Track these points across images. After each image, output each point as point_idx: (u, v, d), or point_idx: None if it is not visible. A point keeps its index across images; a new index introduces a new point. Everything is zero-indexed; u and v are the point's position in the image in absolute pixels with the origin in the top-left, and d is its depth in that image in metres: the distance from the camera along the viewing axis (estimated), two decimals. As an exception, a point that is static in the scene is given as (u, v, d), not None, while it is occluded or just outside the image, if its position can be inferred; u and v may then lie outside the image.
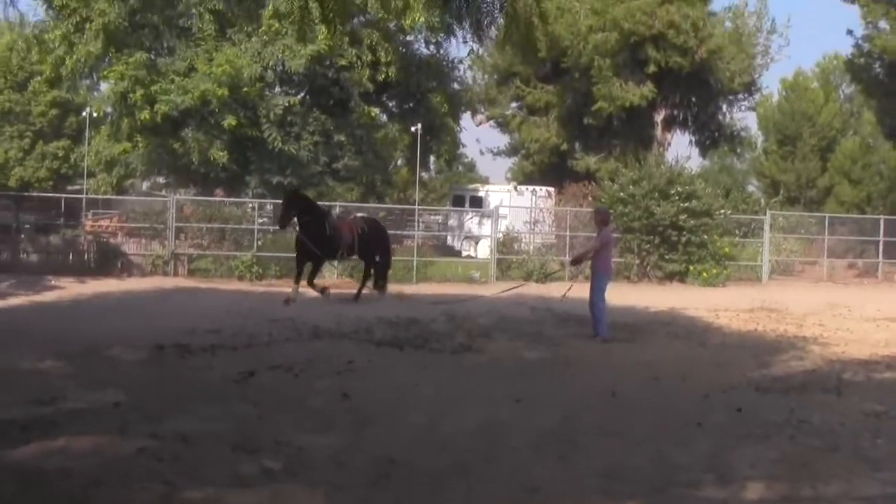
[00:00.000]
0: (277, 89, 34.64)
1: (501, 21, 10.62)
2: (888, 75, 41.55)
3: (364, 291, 22.93)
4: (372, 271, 23.38)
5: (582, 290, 17.76)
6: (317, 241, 21.30)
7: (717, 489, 7.52)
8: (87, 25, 31.51)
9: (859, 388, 12.26)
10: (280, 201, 24.23)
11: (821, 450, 8.83)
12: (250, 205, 32.83)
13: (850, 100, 65.42)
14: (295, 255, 22.55)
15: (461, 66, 43.70)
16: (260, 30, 32.57)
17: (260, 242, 29.62)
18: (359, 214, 26.29)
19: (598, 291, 16.88)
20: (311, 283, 21.46)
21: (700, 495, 7.37)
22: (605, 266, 17.49)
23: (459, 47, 70.08)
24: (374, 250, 23.06)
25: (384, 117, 39.06)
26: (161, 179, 38.93)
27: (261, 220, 31.77)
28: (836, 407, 10.85)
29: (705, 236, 31.08)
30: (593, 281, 17.11)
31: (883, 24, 39.38)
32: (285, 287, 23.09)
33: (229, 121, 31.31)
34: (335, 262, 25.69)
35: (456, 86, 42.26)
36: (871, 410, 10.62)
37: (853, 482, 7.83)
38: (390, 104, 39.87)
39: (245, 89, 31.76)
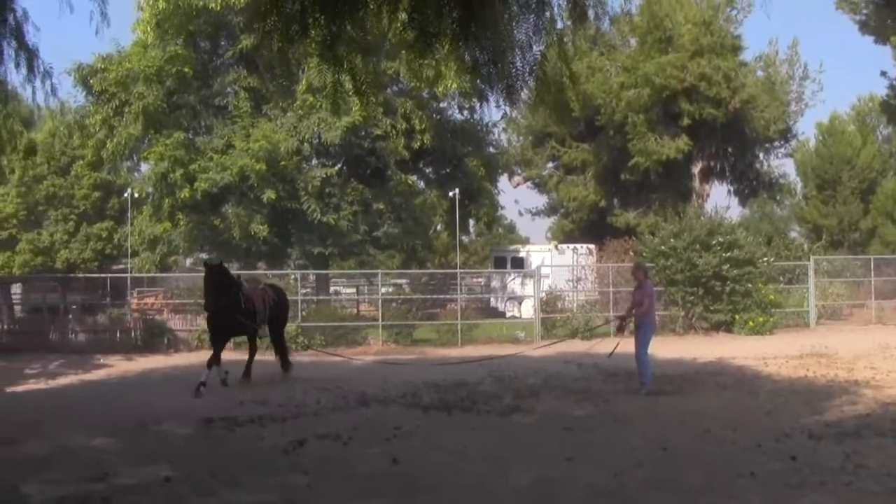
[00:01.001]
0: (314, 161, 34.87)
1: (532, 84, 10.71)
2: (924, 114, 41.43)
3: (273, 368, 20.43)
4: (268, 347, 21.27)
5: (628, 346, 17.70)
6: (241, 316, 19.09)
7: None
8: (127, 109, 32.15)
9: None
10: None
11: (880, 494, 8.73)
12: (293, 276, 33.03)
13: (888, 140, 65.12)
14: (210, 334, 19.69)
15: (495, 130, 43.96)
16: (295, 104, 32.93)
17: (304, 312, 29.76)
18: (266, 282, 24.56)
19: (643, 345, 16.90)
20: (211, 363, 18.43)
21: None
22: (650, 319, 17.56)
23: (493, 111, 70.55)
24: (279, 322, 21.23)
25: (421, 184, 39.21)
26: (204, 255, 39.26)
27: (304, 291, 31.91)
28: (892, 450, 10.72)
29: (749, 285, 30.85)
30: (637, 334, 17.12)
31: (917, 63, 39.30)
32: (331, 356, 23.08)
33: (268, 195, 31.54)
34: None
35: (491, 149, 42.42)
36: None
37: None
38: (427, 171, 40.05)
39: (282, 163, 32.02)
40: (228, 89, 34.16)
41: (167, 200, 32.68)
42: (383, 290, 34.12)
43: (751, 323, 30.28)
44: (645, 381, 16.62)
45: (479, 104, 34.71)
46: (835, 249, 54.83)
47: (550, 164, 55.58)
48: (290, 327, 28.24)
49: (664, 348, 22.52)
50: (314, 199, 32.67)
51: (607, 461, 10.50)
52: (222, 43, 35.39)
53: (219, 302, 18.61)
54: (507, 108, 26.00)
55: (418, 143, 34.99)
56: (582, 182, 51.91)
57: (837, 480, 9.28)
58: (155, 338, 28.41)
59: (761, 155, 52.49)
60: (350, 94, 11.65)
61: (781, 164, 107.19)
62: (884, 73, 42.93)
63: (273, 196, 31.67)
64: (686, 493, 8.96)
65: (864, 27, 40.62)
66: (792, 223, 72.51)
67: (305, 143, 32.96)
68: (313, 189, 32.58)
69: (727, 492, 8.94)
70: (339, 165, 35.58)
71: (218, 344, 18.93)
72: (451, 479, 9.83)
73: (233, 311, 18.85)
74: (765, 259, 33.07)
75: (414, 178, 37.40)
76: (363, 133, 33.75)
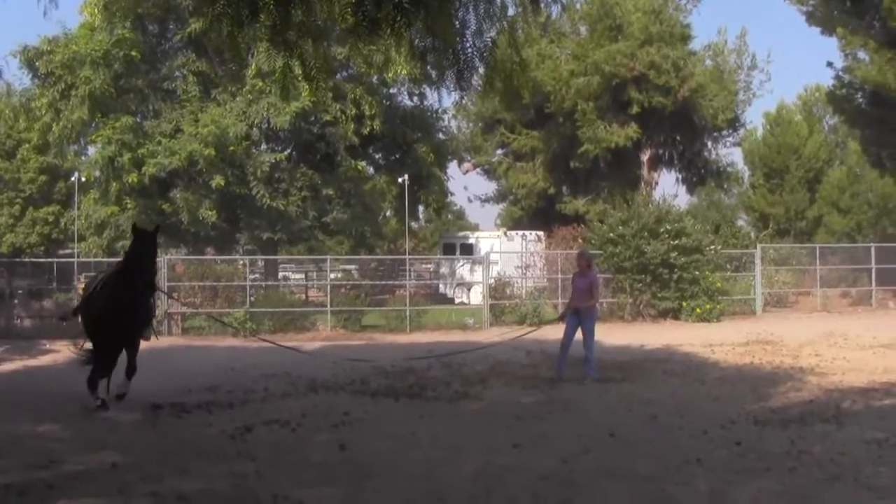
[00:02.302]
0: (264, 147, 34.69)
1: (482, 70, 10.72)
2: (870, 105, 41.76)
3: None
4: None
5: (557, 332, 17.71)
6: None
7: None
8: (73, 92, 31.73)
9: (859, 416, 12.27)
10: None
11: (823, 480, 8.83)
12: (241, 261, 32.88)
13: (834, 130, 65.75)
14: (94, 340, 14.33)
15: (445, 116, 43.96)
16: (244, 89, 32.69)
17: (252, 298, 29.66)
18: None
19: (590, 333, 17.00)
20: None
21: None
22: (595, 307, 17.76)
23: (443, 98, 70.45)
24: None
25: (371, 170, 39.10)
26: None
27: (252, 276, 31.77)
28: (836, 436, 10.86)
29: (697, 272, 31.09)
30: (585, 323, 17.16)
31: (862, 54, 39.61)
32: (280, 342, 22.99)
33: (217, 180, 31.34)
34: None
35: (441, 135, 42.36)
36: (871, 438, 10.64)
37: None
38: (377, 156, 39.93)
39: (231, 148, 31.81)
40: (177, 73, 33.87)
41: (115, 184, 32.33)
42: (332, 275, 34.08)
43: (698, 310, 30.54)
44: (590, 370, 16.70)
45: (429, 90, 34.87)
46: (781, 238, 55.42)
47: (500, 151, 55.57)
48: (239, 313, 28.21)
49: (612, 335, 22.66)
50: (263, 184, 32.52)
51: (555, 448, 10.53)
52: (171, 26, 35.03)
53: (148, 278, 13.64)
54: (458, 95, 26.02)
55: (368, 129, 34.86)
56: (531, 169, 51.95)
57: (782, 466, 9.38)
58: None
59: (709, 143, 52.90)
60: (299, 78, 11.59)
61: (729, 153, 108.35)
62: (830, 64, 43.29)
63: (222, 181, 31.48)
64: (634, 479, 9.02)
65: (812, 18, 40.92)
66: (739, 211, 73.08)
67: (255, 128, 32.78)
68: (262, 174, 32.43)
69: (674, 478, 9.00)
70: (289, 151, 35.45)
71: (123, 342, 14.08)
72: (400, 466, 9.82)
73: (146, 298, 14.27)
74: (712, 247, 33.36)
75: (363, 163, 37.27)
76: (313, 118, 33.64)
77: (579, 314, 17.25)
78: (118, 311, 13.42)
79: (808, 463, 9.42)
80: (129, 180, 31.52)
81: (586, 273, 17.70)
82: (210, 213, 32.04)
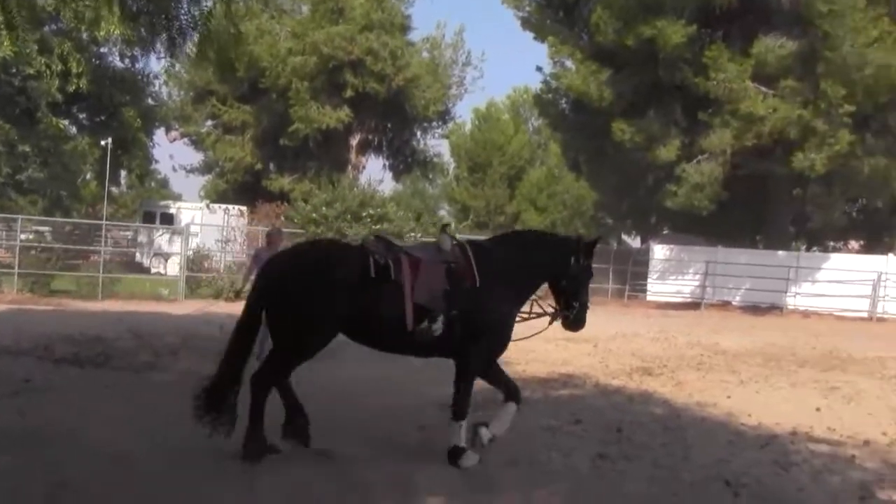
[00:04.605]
0: (-44, 95, 32.85)
1: (196, 38, 10.55)
2: (572, 111, 43.73)
3: None
4: None
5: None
6: None
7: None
8: None
9: (537, 404, 12.81)
10: None
11: (501, 464, 9.17)
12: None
13: (538, 132, 68.36)
14: None
15: (157, 82, 42.89)
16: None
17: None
18: None
19: None
20: None
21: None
22: None
23: (154, 62, 68.68)
24: None
25: (74, 129, 37.69)
26: None
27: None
28: (515, 423, 11.33)
29: (396, 258, 31.62)
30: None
31: (569, 63, 41.39)
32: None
33: None
34: None
35: (150, 101, 41.37)
36: (546, 426, 11.15)
37: (529, 493, 8.20)
38: (80, 116, 38.53)
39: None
40: None
41: None
42: (22, 236, 32.52)
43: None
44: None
45: (141, 53, 33.83)
46: (480, 230, 57.06)
47: (209, 122, 54.68)
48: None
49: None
50: (-46, 136, 30.80)
51: (240, 425, 10.47)
52: None
53: None
54: (169, 61, 25.41)
55: (73, 87, 33.55)
56: (240, 143, 51.43)
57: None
58: None
59: (419, 133, 54.12)
60: (1, 26, 11.03)
61: (437, 144, 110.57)
62: (539, 69, 45.12)
63: None
64: (320, 457, 9.05)
65: (526, 23, 42.37)
66: (442, 202, 74.93)
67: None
68: (-46, 125, 30.70)
69: (360, 457, 9.10)
70: (-15, 102, 33.63)
71: None
72: (80, 436, 9.52)
73: None
74: (412, 234, 34.01)
75: (66, 122, 35.90)
76: (14, 70, 32.01)
77: None
78: None
79: (488, 448, 9.74)
80: None
81: (276, 251, 17.54)
82: None
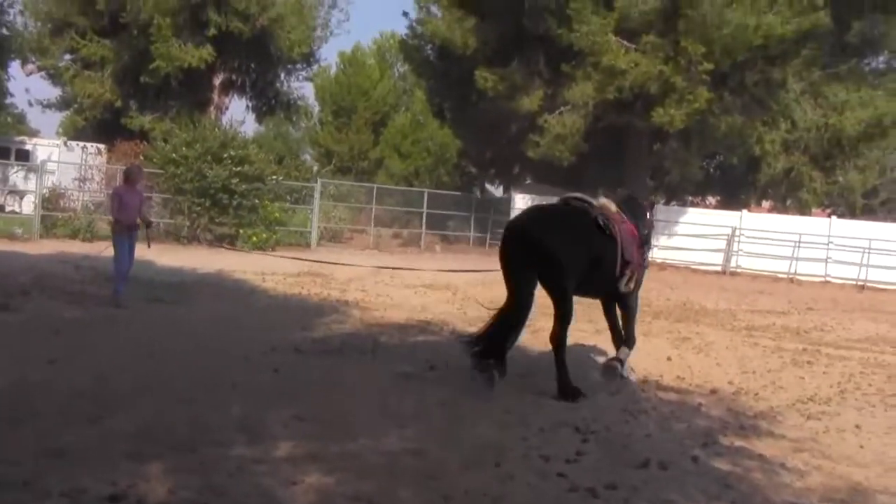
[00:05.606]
0: None
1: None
2: (437, 58, 43.64)
3: None
4: None
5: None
6: None
7: (247, 448, 7.61)
8: None
9: (393, 350, 12.88)
10: None
11: (352, 409, 9.18)
12: None
13: (403, 77, 68.18)
14: None
15: (11, 11, 41.32)
16: None
17: None
18: None
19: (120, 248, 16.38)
20: None
21: (230, 454, 7.42)
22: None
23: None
24: None
25: (-80, 57, 36.15)
26: None
27: None
28: (370, 368, 11.35)
29: (256, 201, 31.39)
30: (134, 240, 16.68)
31: (435, 9, 41.30)
32: None
33: None
34: None
35: (5, 31, 39.87)
36: (401, 372, 11.20)
37: (379, 438, 8.21)
38: (-72, 44, 36.98)
39: None
40: None
41: None
42: None
43: (254, 238, 30.82)
44: (120, 289, 16.14)
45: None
46: (343, 175, 56.95)
47: (68, 56, 52.79)
48: None
49: (167, 257, 22.38)
50: None
51: (92, 365, 10.26)
52: None
53: None
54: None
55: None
56: (99, 79, 49.86)
57: (316, 394, 9.66)
58: None
59: (283, 75, 53.26)
60: None
61: (301, 87, 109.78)
62: (405, 14, 44.96)
63: None
64: (167, 400, 8.95)
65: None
66: (305, 145, 74.26)
67: None
68: None
69: (209, 401, 9.02)
70: None
71: None
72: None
73: None
74: (274, 177, 33.72)
75: (-88, 50, 34.36)
76: None
77: (131, 232, 16.70)
78: None
79: (340, 392, 9.74)
80: None
81: (135, 189, 17.17)
82: None
